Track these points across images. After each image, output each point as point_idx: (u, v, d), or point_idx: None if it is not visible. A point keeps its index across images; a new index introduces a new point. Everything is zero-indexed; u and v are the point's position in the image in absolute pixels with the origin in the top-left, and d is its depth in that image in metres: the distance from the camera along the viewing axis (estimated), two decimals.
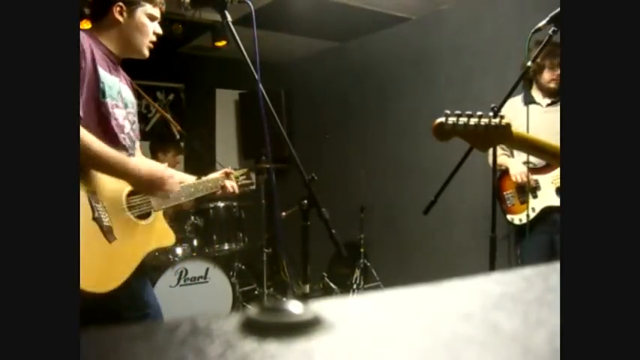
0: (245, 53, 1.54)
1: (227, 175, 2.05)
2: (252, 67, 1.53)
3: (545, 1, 2.03)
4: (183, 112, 5.24)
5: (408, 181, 4.21)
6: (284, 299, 1.14)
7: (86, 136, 1.46)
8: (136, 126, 1.79)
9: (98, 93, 1.57)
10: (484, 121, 1.47)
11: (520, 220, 2.67)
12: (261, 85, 1.53)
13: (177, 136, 5.04)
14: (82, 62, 1.52)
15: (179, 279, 3.25)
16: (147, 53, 1.73)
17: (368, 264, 4.11)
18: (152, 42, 1.72)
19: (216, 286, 3.42)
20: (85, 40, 1.57)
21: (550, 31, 1.86)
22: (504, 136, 1.48)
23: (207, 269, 3.39)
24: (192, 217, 3.57)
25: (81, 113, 1.51)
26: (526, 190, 2.62)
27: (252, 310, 0.31)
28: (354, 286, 4.01)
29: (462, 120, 1.48)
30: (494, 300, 0.36)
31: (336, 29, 4.47)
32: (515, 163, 2.63)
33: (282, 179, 4.57)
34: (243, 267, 4.03)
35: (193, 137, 4.94)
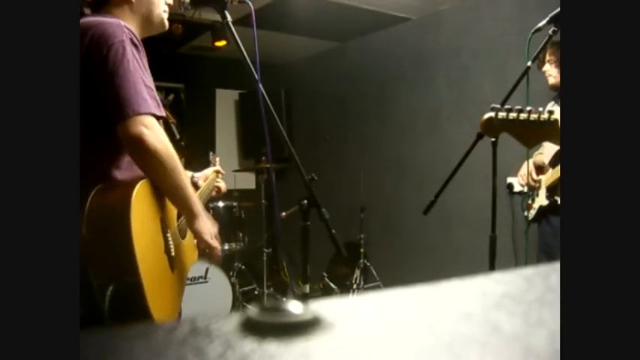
0: (245, 53, 1.53)
1: (218, 174, 2.02)
2: (252, 67, 1.53)
3: (545, 1, 2.03)
4: (184, 113, 5.24)
5: (408, 181, 4.21)
6: (284, 299, 1.14)
7: (178, 163, 1.38)
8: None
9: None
10: (533, 116, 1.43)
11: (527, 217, 2.77)
12: (261, 85, 1.53)
13: (178, 136, 5.04)
14: (143, 59, 1.39)
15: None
16: (167, 24, 1.60)
17: (368, 264, 4.11)
18: (168, 6, 1.58)
19: (216, 286, 3.42)
20: (133, 31, 1.41)
21: (550, 31, 1.86)
22: (552, 132, 1.45)
23: (207, 269, 3.39)
24: None
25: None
26: (530, 190, 2.70)
27: (252, 310, 0.31)
28: (354, 286, 4.01)
29: (512, 115, 1.45)
30: (494, 300, 0.36)
31: (336, 29, 4.47)
32: (524, 166, 2.67)
33: (282, 179, 4.58)
34: (243, 267, 4.03)
35: (191, 130, 4.92)
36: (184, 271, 1.59)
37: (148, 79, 1.39)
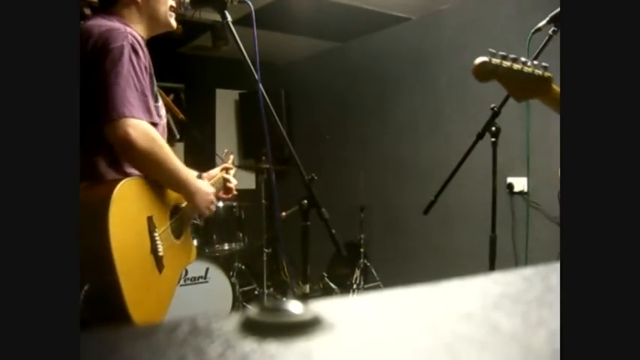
0: (245, 53, 1.53)
1: (227, 171, 1.95)
2: (252, 67, 1.53)
3: (545, 1, 2.03)
4: (184, 112, 5.24)
5: (408, 181, 4.21)
6: (284, 299, 1.13)
7: (169, 153, 1.43)
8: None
9: (153, 98, 1.49)
10: (527, 69, 1.38)
11: None
12: (261, 85, 1.53)
13: (178, 136, 5.04)
14: (149, 68, 1.44)
15: (179, 279, 3.24)
16: (174, 23, 1.63)
17: (368, 264, 4.11)
18: (172, 8, 1.61)
19: (216, 286, 3.41)
20: (138, 35, 1.45)
21: (550, 31, 1.86)
22: (543, 89, 1.40)
23: (207, 269, 3.38)
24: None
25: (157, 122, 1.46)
26: None
27: (252, 310, 0.31)
28: (354, 286, 4.01)
29: (506, 63, 1.39)
30: (494, 300, 0.36)
31: (336, 29, 4.47)
32: None
33: (282, 179, 4.58)
34: (243, 267, 4.03)
35: (193, 128, 4.93)
36: (176, 272, 1.58)
37: (145, 84, 1.42)
